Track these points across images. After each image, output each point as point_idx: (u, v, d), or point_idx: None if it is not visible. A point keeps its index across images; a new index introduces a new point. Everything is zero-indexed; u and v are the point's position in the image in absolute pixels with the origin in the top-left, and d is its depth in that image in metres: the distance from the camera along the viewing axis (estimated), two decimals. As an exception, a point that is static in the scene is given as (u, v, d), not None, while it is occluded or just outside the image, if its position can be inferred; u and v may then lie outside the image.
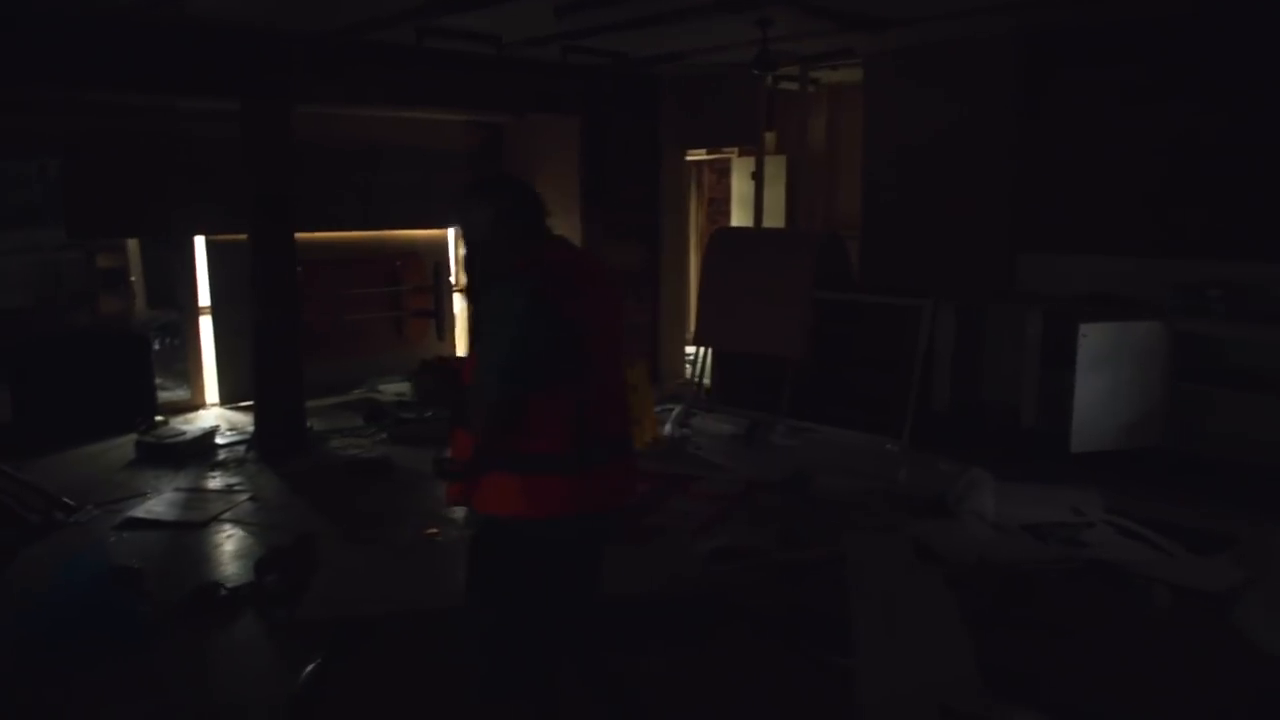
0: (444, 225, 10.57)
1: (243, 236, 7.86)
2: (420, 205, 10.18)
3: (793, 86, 9.69)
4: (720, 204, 12.79)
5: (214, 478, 7.34)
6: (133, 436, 8.04)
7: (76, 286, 9.38)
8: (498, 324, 2.88)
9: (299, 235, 9.18)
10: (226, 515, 6.50)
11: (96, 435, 8.28)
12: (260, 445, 7.91)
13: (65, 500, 6.63)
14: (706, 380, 9.15)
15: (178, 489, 7.06)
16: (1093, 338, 6.98)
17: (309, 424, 8.49)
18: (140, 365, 8.79)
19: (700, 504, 6.62)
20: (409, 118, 9.95)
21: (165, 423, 8.47)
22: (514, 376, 2.83)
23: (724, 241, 9.07)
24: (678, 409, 8.83)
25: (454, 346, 10.77)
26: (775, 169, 10.49)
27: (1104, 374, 7.04)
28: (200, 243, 9.20)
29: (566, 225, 10.12)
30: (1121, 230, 7.63)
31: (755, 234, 9.46)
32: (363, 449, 8.03)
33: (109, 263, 9.92)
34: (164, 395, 9.35)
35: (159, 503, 6.74)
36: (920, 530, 5.93)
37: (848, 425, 8.19)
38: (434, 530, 6.18)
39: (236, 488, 7.09)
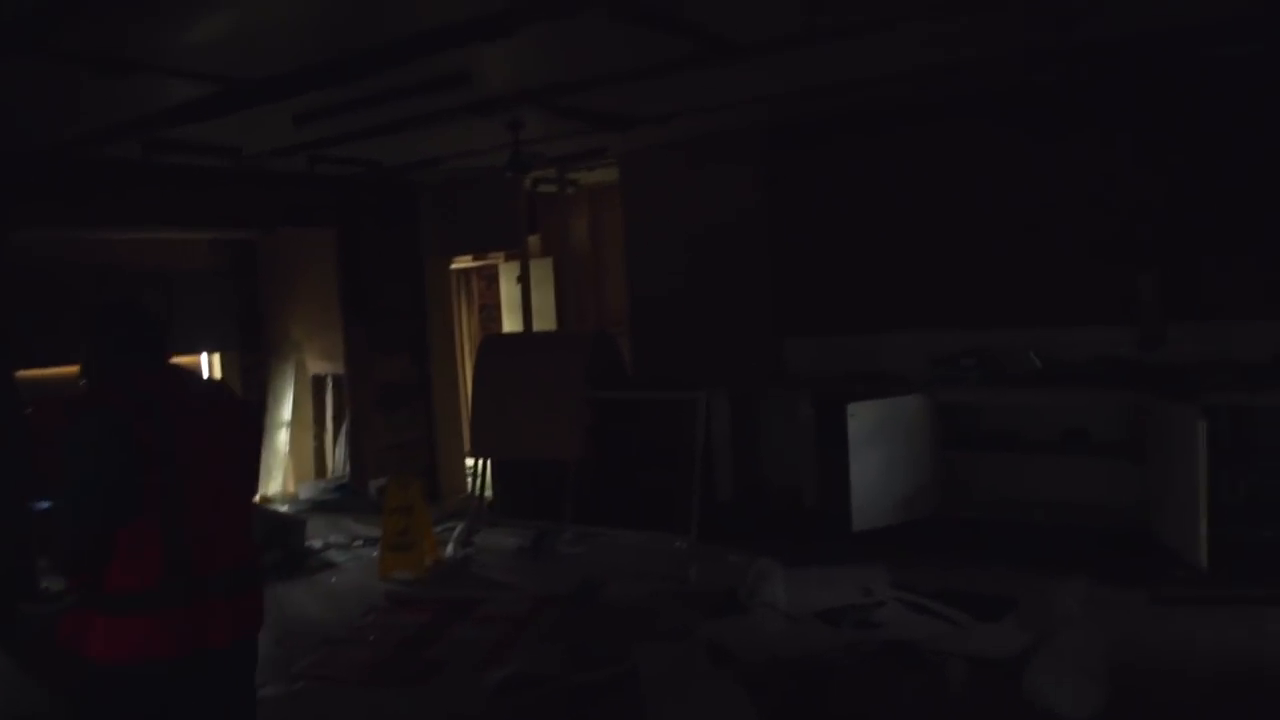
0: (195, 350, 9.81)
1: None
2: (164, 329, 9.41)
3: (552, 189, 9.60)
4: (492, 310, 12.51)
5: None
6: None
7: None
8: (70, 456, 2.77)
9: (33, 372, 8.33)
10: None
11: None
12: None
13: None
14: (490, 493, 8.74)
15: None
16: (860, 416, 7.03)
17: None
18: None
19: (485, 629, 6.16)
20: (146, 237, 9.25)
21: None
22: (82, 512, 2.75)
23: (493, 348, 8.76)
24: (459, 527, 8.35)
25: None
26: (542, 271, 10.31)
27: (876, 451, 7.09)
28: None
29: (329, 340, 9.60)
30: (875, 308, 7.81)
31: (524, 338, 9.21)
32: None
33: None
34: None
35: None
36: (714, 630, 5.68)
37: (634, 525, 7.92)
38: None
39: None
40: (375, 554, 7.87)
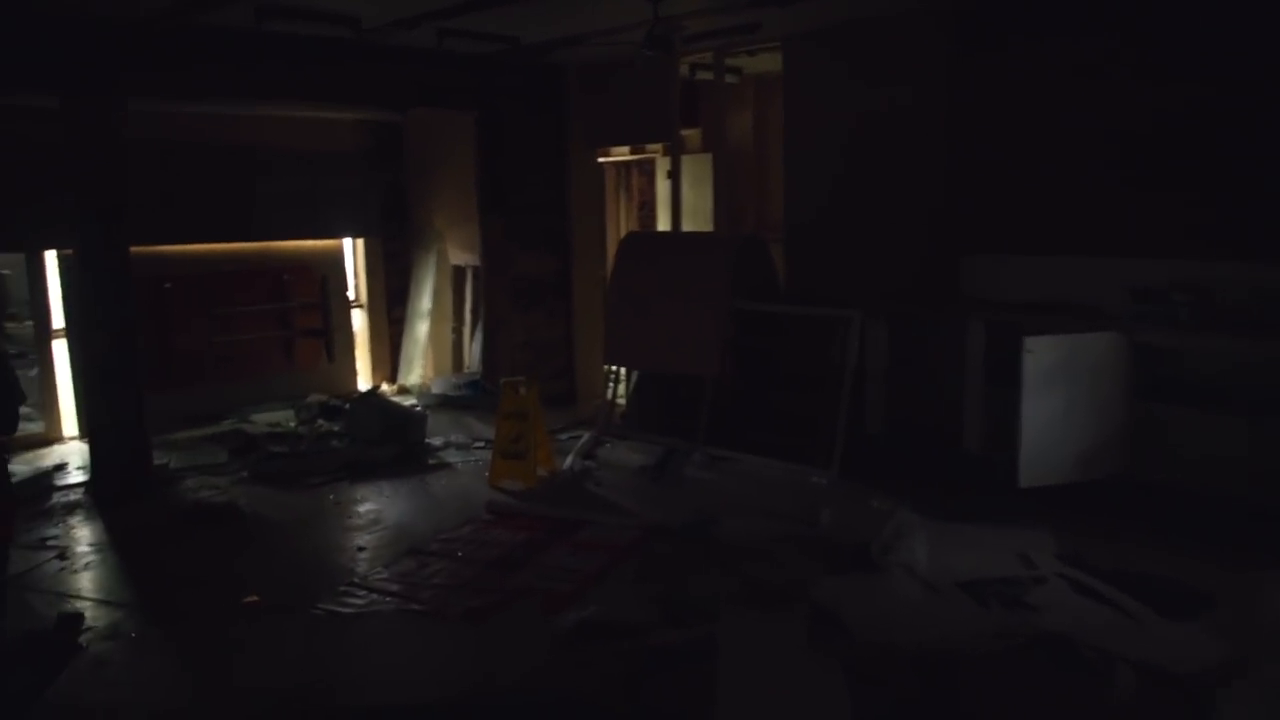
0: (336, 234, 9.34)
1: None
2: (308, 213, 8.97)
3: (710, 76, 8.52)
4: (651, 208, 11.63)
5: (30, 530, 6.10)
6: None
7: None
8: None
9: (166, 249, 8.03)
10: (14, 581, 5.26)
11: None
12: (97, 488, 6.67)
13: None
14: (622, 399, 7.98)
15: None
16: (1040, 353, 5.83)
17: (166, 461, 7.27)
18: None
19: (581, 557, 5.42)
20: (293, 116, 8.75)
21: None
22: None
23: (634, 248, 7.89)
24: (585, 437, 7.63)
25: (352, 368, 9.54)
26: (700, 169, 9.30)
27: (1055, 394, 5.89)
28: (51, 257, 7.95)
29: (470, 231, 8.94)
30: (1074, 227, 6.47)
31: (668, 238, 8.29)
32: (217, 490, 6.79)
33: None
34: (22, 429, 8.11)
35: (-58, 566, 5.50)
36: (831, 591, 4.75)
37: (771, 454, 7.01)
38: (254, 598, 4.97)
39: (49, 542, 5.86)
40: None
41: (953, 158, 6.90)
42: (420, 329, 9.51)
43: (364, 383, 9.66)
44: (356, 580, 5.15)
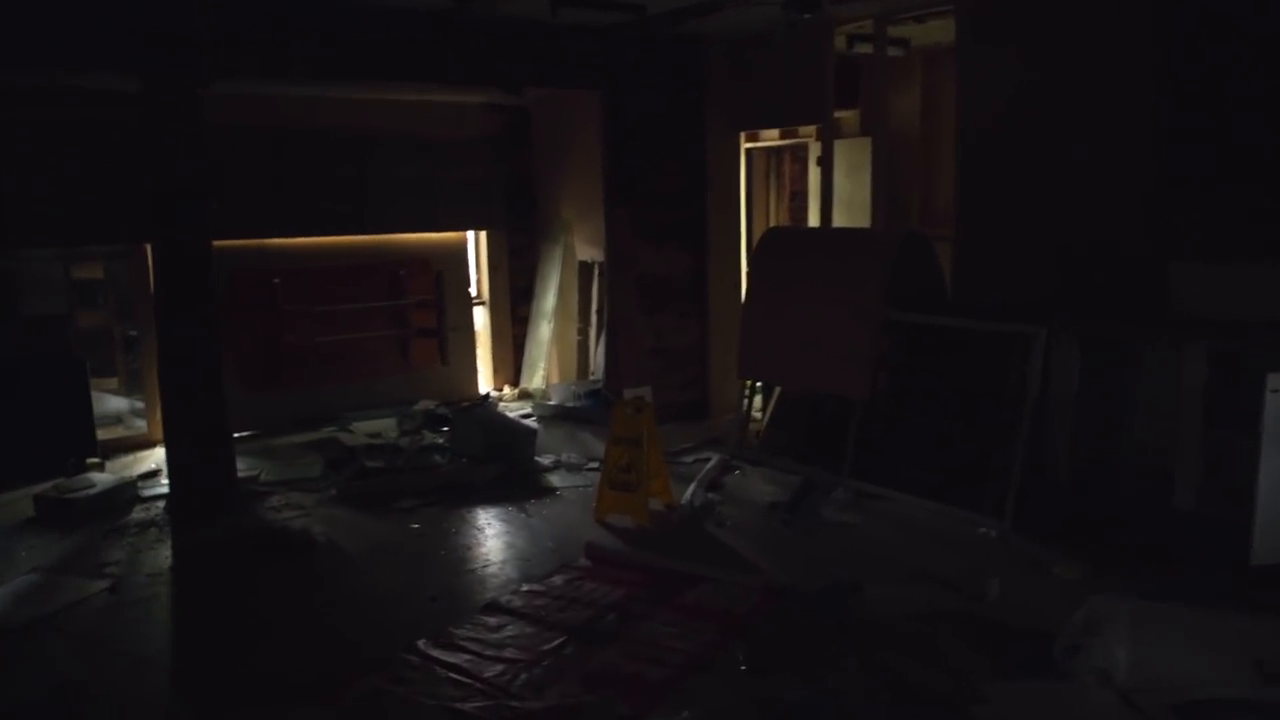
0: (458, 227, 8.54)
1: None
2: (428, 204, 8.20)
3: (870, 49, 7.27)
4: (802, 198, 10.42)
5: (98, 550, 5.50)
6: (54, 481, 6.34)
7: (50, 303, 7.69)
8: None
9: (275, 241, 7.38)
10: (54, 618, 4.62)
11: (22, 477, 6.57)
12: (176, 504, 6.04)
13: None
14: (759, 414, 6.88)
15: (35, 569, 5.22)
16: (1290, 395, 4.43)
17: (257, 472, 6.61)
18: (75, 394, 7.04)
19: (683, 629, 4.37)
20: (411, 100, 7.97)
21: (93, 467, 6.70)
22: None
23: (774, 245, 6.75)
24: (712, 461, 6.57)
25: (473, 370, 8.74)
26: (858, 155, 8.07)
27: (1306, 447, 4.48)
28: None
29: (598, 223, 7.97)
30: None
31: (814, 235, 7.11)
32: (301, 511, 6.05)
33: (87, 274, 8.23)
34: (123, 430, 7.66)
35: (-11, 594, 4.91)
36: (1000, 710, 3.56)
37: (928, 494, 5.80)
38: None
39: (108, 569, 5.21)
40: (602, 486, 6.31)
41: (1169, 140, 5.48)
42: (544, 329, 8.63)
43: (485, 386, 8.86)
44: (420, 646, 4.25)
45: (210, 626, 4.59)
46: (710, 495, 6.10)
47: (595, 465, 6.72)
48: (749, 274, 6.80)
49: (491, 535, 5.61)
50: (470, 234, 8.74)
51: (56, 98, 6.73)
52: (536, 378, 8.66)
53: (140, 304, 7.46)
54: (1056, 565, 4.94)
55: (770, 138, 9.11)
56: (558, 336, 8.63)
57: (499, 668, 4.06)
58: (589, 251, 8.32)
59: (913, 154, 8.31)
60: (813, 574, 4.89)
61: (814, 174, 8.84)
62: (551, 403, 8.05)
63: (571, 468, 6.70)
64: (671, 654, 4.15)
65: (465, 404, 7.88)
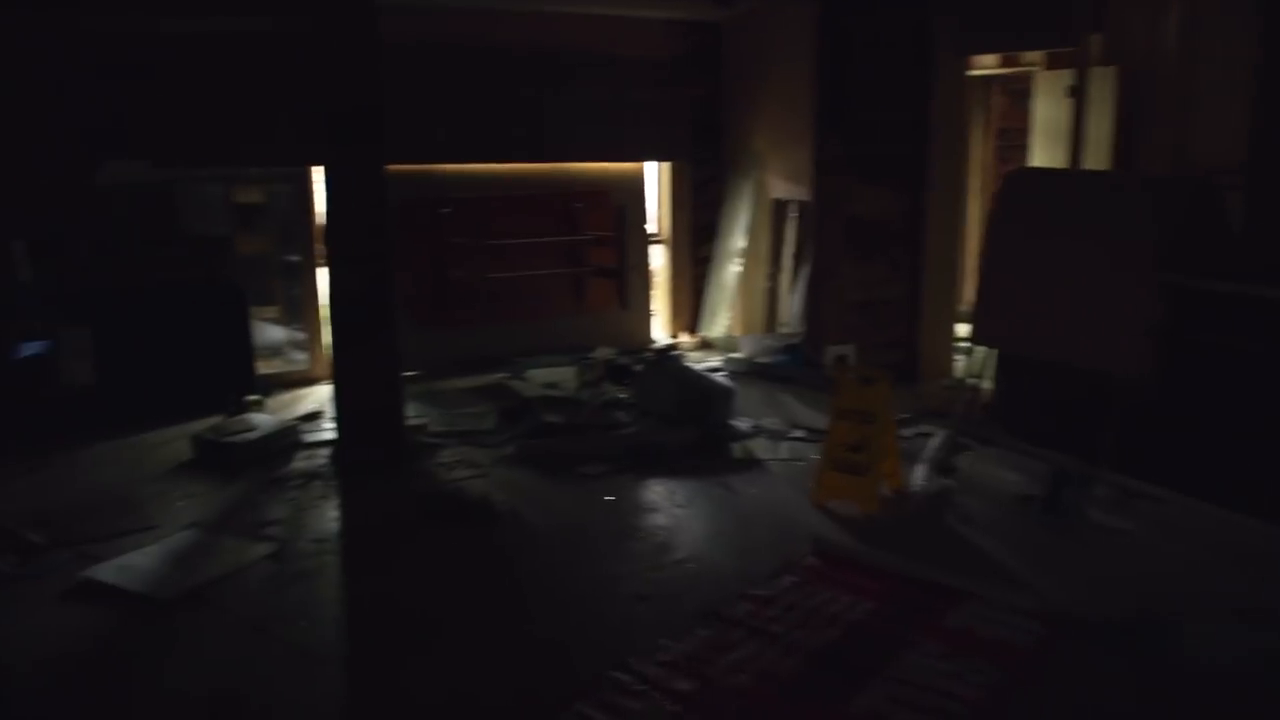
0: (639, 157, 7.59)
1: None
2: (609, 131, 7.27)
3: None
4: (1013, 136, 9.13)
5: (260, 503, 4.85)
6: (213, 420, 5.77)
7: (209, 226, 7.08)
8: None
9: (452, 167, 6.61)
10: (213, 587, 3.97)
11: (182, 412, 6.03)
12: (340, 454, 5.36)
13: (30, 538, 4.35)
14: (986, 381, 5.83)
15: (192, 524, 4.59)
16: None
17: (424, 420, 5.89)
18: (236, 324, 6.43)
19: (959, 666, 3.44)
20: (593, 15, 7.02)
21: (254, 405, 6.09)
22: None
23: (1023, 190, 5.60)
24: (937, 439, 5.57)
25: (647, 315, 7.85)
26: (1097, 88, 6.82)
27: None
28: (320, 174, 6.68)
29: (798, 157, 6.94)
30: None
31: (1075, 179, 5.89)
32: (476, 470, 5.30)
33: (247, 198, 7.59)
34: (282, 364, 7.05)
35: (147, 553, 4.28)
36: None
37: (1221, 499, 4.69)
38: None
39: (270, 530, 4.55)
40: (814, 460, 5.38)
41: None
42: (730, 272, 7.67)
43: (659, 333, 7.97)
44: (634, 665, 3.43)
45: (385, 615, 3.85)
46: (945, 480, 5.11)
47: (800, 434, 5.80)
48: (990, 221, 5.68)
49: (694, 515, 4.74)
50: (651, 165, 7.79)
51: (223, 7, 6.01)
52: (717, 326, 7.72)
53: (303, 231, 6.79)
54: None
55: (984, 65, 7.87)
56: (743, 282, 7.66)
57: (733, 703, 3.22)
58: (784, 188, 7.28)
59: (1167, 86, 6.98)
60: (1101, 598, 3.89)
61: (1039, 107, 7.61)
62: (741, 355, 7.11)
63: (773, 435, 5.78)
64: (950, 701, 3.24)
65: (650, 355, 7.01)
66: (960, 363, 7.10)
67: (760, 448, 5.62)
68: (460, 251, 6.84)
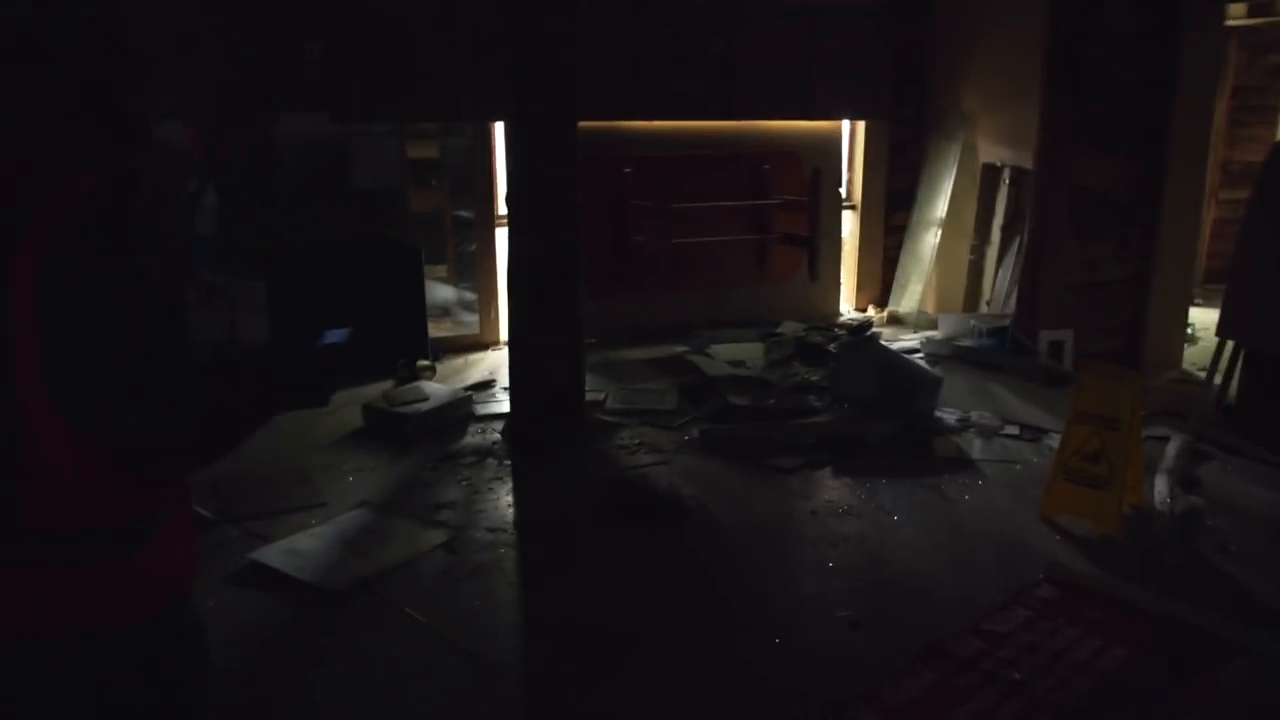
0: (835, 114, 6.97)
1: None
2: (802, 86, 6.68)
3: None
4: (1247, 95, 8.11)
5: (433, 482, 4.60)
6: (386, 385, 5.58)
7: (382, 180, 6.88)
8: None
9: (636, 124, 6.22)
10: (383, 581, 3.70)
11: (351, 376, 5.83)
12: (514, 431, 5.05)
13: (200, 512, 4.19)
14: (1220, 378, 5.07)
15: (363, 504, 4.35)
16: None
17: (602, 396, 5.53)
18: (409, 284, 6.18)
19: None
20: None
21: (425, 371, 5.88)
22: None
23: (1303, 163, 4.79)
24: (1175, 445, 4.86)
25: (835, 287, 7.27)
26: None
27: None
28: (500, 130, 6.35)
29: (1015, 117, 6.25)
30: None
31: None
32: (659, 454, 4.91)
33: (421, 153, 7.34)
34: (451, 326, 6.82)
35: (315, 535, 4.06)
36: None
37: None
38: None
39: (443, 514, 4.28)
40: (1037, 464, 4.77)
41: None
42: (927, 243, 7.01)
43: (847, 307, 7.39)
44: (847, 711, 2.98)
45: (567, 623, 3.51)
46: (1191, 497, 4.43)
47: (1014, 431, 5.18)
48: (1253, 199, 4.89)
49: (904, 524, 4.23)
50: (845, 124, 7.16)
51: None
52: (909, 301, 7.09)
53: (481, 188, 6.49)
54: None
55: (1230, 15, 6.90)
56: (942, 254, 6.99)
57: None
58: (997, 152, 6.56)
59: None
60: None
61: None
62: (940, 336, 6.49)
63: (984, 431, 5.18)
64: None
65: (845, 333, 6.47)
66: (1189, 354, 6.31)
67: (971, 445, 5.04)
68: (642, 214, 6.42)
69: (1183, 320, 6.19)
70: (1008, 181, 6.48)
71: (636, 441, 5.08)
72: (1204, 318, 6.53)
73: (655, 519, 4.26)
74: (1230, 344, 5.08)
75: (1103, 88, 5.63)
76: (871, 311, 7.32)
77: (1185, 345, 6.31)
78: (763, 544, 4.07)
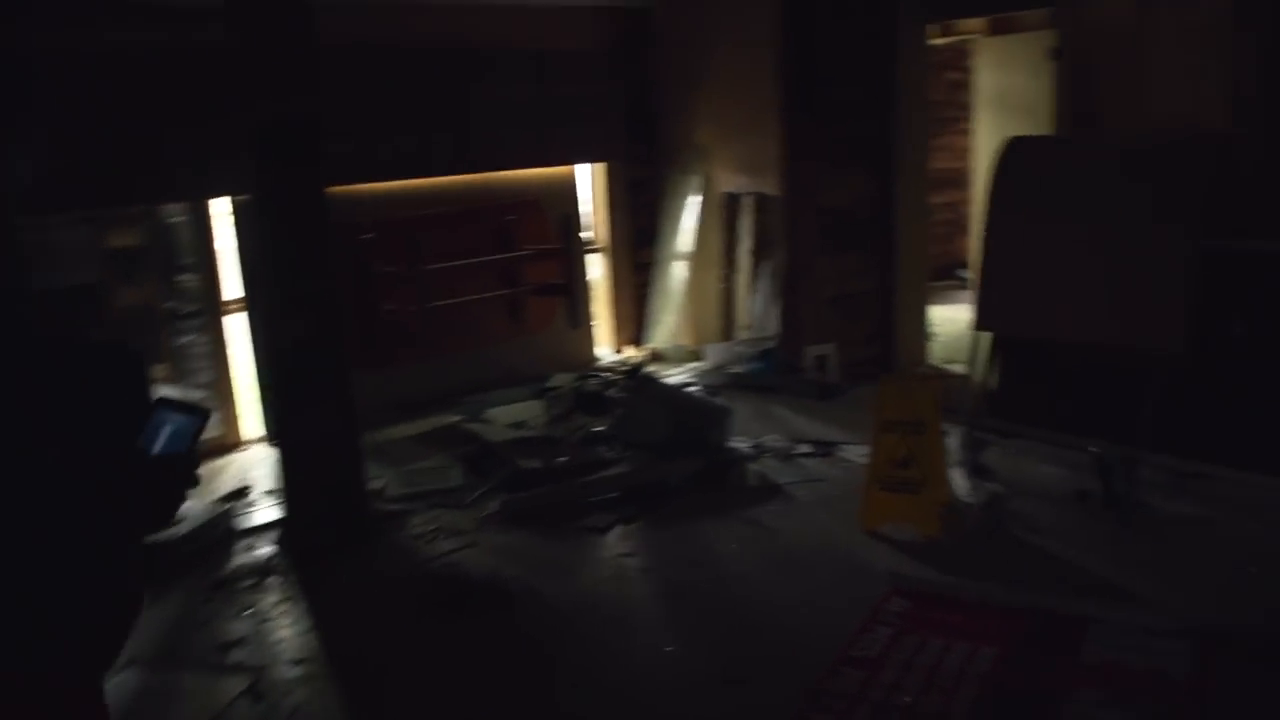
0: (572, 159, 6.84)
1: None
2: (537, 133, 6.50)
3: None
4: (939, 109, 8.78)
5: (210, 617, 3.92)
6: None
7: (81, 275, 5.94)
8: None
9: (368, 187, 5.80)
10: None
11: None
12: (292, 540, 4.45)
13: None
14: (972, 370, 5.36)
15: (131, 662, 3.61)
16: None
17: (381, 484, 5.01)
18: (133, 395, 5.35)
19: (1126, 707, 2.91)
20: (516, 3, 6.24)
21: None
22: None
23: (1027, 160, 5.17)
24: (955, 438, 5.04)
25: (588, 332, 7.11)
26: (1028, 53, 6.55)
27: None
28: (221, 206, 5.69)
29: (751, 146, 6.38)
30: None
31: (1083, 148, 5.48)
32: (461, 539, 4.49)
33: (124, 241, 6.44)
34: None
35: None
36: None
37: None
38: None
39: (234, 650, 3.64)
40: (839, 477, 4.80)
41: None
42: (675, 276, 7.01)
43: (604, 350, 7.25)
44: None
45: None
46: (990, 485, 4.59)
47: (808, 449, 5.20)
48: (991, 199, 5.21)
49: (739, 563, 4.08)
50: (583, 168, 7.04)
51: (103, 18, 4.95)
52: (666, 334, 7.05)
53: (202, 273, 5.78)
54: None
55: (931, 35, 7.43)
56: (692, 286, 7.00)
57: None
58: (736, 181, 6.67)
59: (1117, 49, 6.68)
60: (1230, 604, 3.44)
61: (986, 76, 7.28)
62: (709, 366, 6.46)
63: (779, 454, 5.16)
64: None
65: (624, 378, 6.29)
66: (934, 350, 6.68)
67: (770, 470, 5.00)
68: (388, 281, 5.96)
69: (923, 320, 6.53)
70: (750, 209, 6.60)
71: (432, 527, 4.62)
72: (936, 314, 6.96)
73: (479, 610, 3.85)
74: (985, 335, 5.38)
75: (834, 109, 5.86)
76: (630, 351, 7.22)
77: (927, 343, 6.67)
78: (600, 617, 3.76)
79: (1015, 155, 5.17)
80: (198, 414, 1.42)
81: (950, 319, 7.19)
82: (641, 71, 6.93)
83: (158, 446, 1.40)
